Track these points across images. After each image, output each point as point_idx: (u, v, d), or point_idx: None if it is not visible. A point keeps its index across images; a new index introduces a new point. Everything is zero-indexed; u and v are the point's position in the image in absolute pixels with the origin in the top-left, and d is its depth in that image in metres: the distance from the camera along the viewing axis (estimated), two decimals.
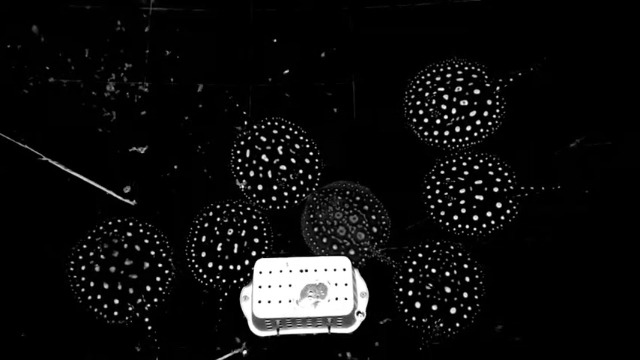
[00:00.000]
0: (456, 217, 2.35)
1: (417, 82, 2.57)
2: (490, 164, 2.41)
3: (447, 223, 2.35)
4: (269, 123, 2.50)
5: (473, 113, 2.46)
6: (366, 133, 2.56)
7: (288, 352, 2.23)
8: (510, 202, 2.34)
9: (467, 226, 2.34)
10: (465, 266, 2.27)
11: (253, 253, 2.29)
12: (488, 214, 2.34)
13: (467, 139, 2.46)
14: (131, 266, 2.25)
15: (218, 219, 2.34)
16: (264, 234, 2.34)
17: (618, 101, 2.56)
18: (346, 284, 2.14)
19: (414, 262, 2.28)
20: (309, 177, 2.42)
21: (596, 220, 2.37)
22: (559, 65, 2.61)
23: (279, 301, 2.12)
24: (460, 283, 2.23)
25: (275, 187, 2.38)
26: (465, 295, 2.22)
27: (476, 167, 2.40)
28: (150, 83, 2.66)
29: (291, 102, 2.63)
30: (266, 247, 2.32)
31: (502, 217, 2.33)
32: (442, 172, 2.42)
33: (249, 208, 2.37)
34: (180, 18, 2.77)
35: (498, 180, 2.37)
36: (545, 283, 2.30)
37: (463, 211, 2.35)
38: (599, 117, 2.54)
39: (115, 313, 2.22)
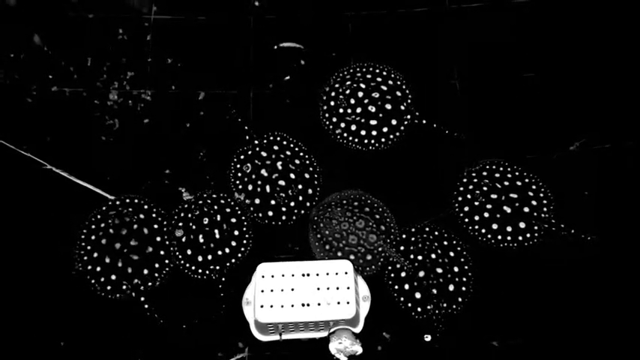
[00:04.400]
0: (477, 218, 2.35)
1: (351, 70, 2.59)
2: (534, 186, 2.38)
3: (461, 215, 2.36)
4: (270, 138, 2.51)
5: (373, 122, 2.47)
6: None
7: (290, 356, 2.23)
8: (535, 227, 2.32)
9: (483, 230, 2.33)
10: (445, 243, 2.30)
11: (236, 233, 2.32)
12: (508, 228, 2.33)
13: (356, 140, 2.48)
14: (135, 247, 2.29)
15: (189, 215, 2.35)
16: (238, 212, 2.36)
17: (618, 104, 2.57)
18: (348, 288, 2.14)
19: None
20: (309, 192, 2.43)
21: (595, 223, 2.37)
22: (557, 68, 2.63)
23: (282, 306, 2.12)
24: (447, 260, 2.27)
25: (272, 202, 2.39)
26: (456, 269, 2.26)
27: (518, 183, 2.39)
28: (152, 91, 2.67)
29: (292, 108, 2.64)
30: (245, 223, 2.35)
31: (520, 238, 2.32)
32: (486, 172, 2.42)
33: (215, 195, 2.39)
34: (181, 26, 2.79)
35: (534, 203, 2.35)
36: (544, 285, 2.30)
37: (486, 215, 2.34)
38: (598, 119, 2.54)
39: (108, 288, 2.26)
